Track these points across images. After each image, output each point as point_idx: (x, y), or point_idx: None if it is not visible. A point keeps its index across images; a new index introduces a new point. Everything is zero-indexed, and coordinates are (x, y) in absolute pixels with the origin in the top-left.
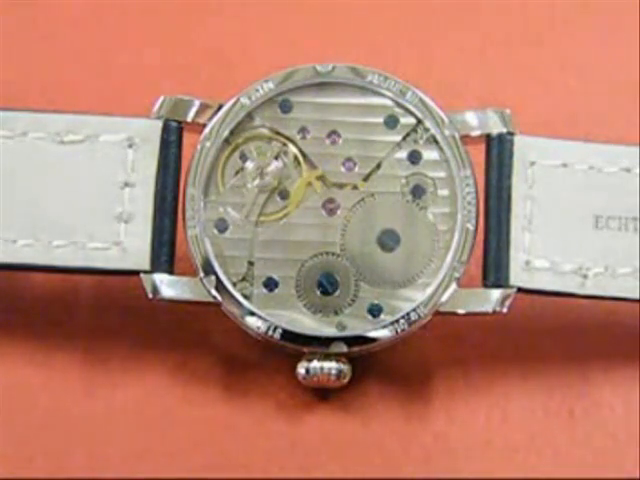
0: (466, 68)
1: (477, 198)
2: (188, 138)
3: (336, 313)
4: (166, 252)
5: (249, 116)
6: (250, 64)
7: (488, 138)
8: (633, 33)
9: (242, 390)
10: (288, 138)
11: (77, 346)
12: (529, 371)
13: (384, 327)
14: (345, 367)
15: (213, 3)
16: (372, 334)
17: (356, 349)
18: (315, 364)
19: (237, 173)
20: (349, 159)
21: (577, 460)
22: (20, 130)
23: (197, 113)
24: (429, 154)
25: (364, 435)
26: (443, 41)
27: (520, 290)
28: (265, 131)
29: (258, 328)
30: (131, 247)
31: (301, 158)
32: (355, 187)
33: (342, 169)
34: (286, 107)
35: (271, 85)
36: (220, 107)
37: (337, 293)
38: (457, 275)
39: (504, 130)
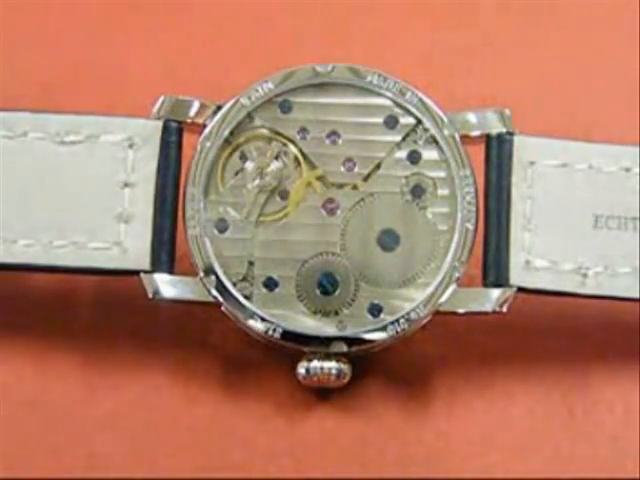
0: (466, 68)
1: (477, 198)
2: (188, 138)
3: (336, 313)
4: (166, 252)
5: (249, 116)
6: (250, 64)
7: (488, 138)
8: (633, 33)
9: (242, 390)
10: (288, 138)
11: (77, 346)
12: (529, 371)
13: (384, 327)
14: (345, 367)
15: (213, 3)
16: (372, 334)
17: (356, 349)
18: (315, 364)
19: (237, 173)
20: (349, 159)
21: (577, 460)
22: (20, 130)
23: (197, 113)
24: (429, 154)
25: (364, 435)
26: (443, 41)
27: (520, 290)
28: (265, 131)
29: (258, 328)
30: (131, 247)
31: (301, 158)
32: (355, 187)
33: (342, 169)
34: (286, 107)
35: (271, 85)
36: (220, 107)
37: (337, 293)
38: (457, 275)
39: (503, 130)
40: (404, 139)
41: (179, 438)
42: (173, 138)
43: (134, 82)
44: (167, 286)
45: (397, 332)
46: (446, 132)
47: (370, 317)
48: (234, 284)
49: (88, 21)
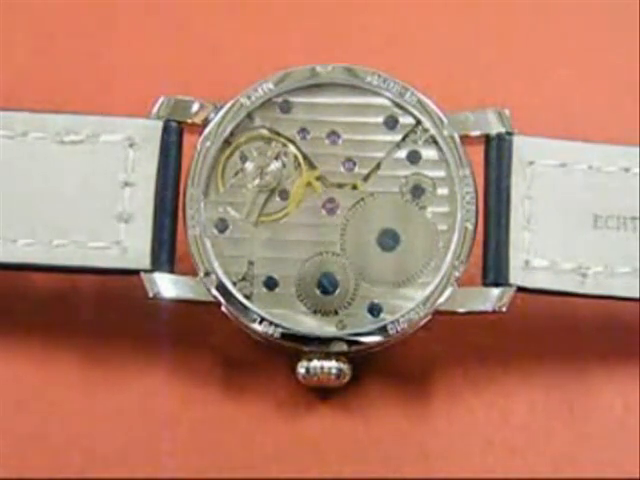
0: (466, 68)
1: (476, 198)
2: (188, 138)
3: (336, 312)
4: (166, 251)
5: (249, 116)
6: (250, 64)
7: (487, 138)
8: (633, 33)
9: (242, 390)
10: (288, 138)
11: (77, 346)
12: (529, 370)
13: (384, 326)
14: (345, 366)
15: (213, 3)
16: (372, 334)
17: (356, 348)
18: (315, 363)
19: (237, 173)
20: (349, 159)
21: (577, 460)
22: (20, 130)
23: (197, 113)
24: (428, 154)
25: (364, 435)
26: (443, 41)
27: (519, 289)
28: (265, 131)
29: (258, 328)
30: (131, 246)
31: (301, 158)
32: (355, 187)
33: (342, 169)
34: (286, 107)
35: (270, 85)
36: (220, 107)
37: (337, 292)
38: (457, 274)
39: (503, 130)
40: (404, 139)
41: (179, 438)
42: (173, 138)
43: (134, 82)
44: (167, 285)
45: (397, 332)
46: (445, 132)
47: (370, 317)
48: (234, 284)
49: (88, 21)
